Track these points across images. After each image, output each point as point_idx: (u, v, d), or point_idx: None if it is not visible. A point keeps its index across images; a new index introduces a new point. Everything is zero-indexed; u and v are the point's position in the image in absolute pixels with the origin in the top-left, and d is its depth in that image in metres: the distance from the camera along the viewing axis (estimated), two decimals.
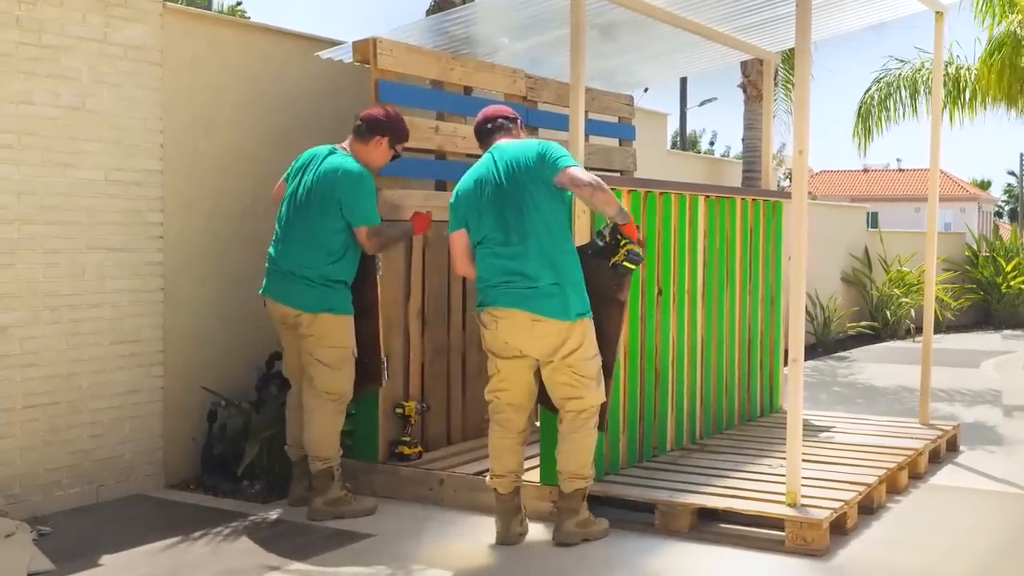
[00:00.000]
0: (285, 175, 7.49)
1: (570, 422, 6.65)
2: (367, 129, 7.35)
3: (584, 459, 6.67)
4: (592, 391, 6.63)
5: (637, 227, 6.82)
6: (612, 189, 7.38)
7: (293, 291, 7.15)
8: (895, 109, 19.83)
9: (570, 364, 6.55)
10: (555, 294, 6.43)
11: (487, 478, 6.83)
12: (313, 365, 7.20)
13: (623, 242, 6.56)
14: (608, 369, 6.82)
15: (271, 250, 7.30)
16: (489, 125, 6.95)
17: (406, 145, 7.82)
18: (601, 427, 6.87)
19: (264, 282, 7.36)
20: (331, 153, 7.31)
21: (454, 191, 6.81)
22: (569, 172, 6.48)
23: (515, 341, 6.55)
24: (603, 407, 6.81)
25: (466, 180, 6.77)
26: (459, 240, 6.76)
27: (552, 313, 6.42)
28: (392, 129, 7.40)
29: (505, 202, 6.53)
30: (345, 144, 7.40)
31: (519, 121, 7.05)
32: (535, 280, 6.42)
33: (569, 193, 6.61)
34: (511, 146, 6.72)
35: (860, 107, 20.19)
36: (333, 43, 8.93)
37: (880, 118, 19.90)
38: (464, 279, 8.39)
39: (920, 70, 19.62)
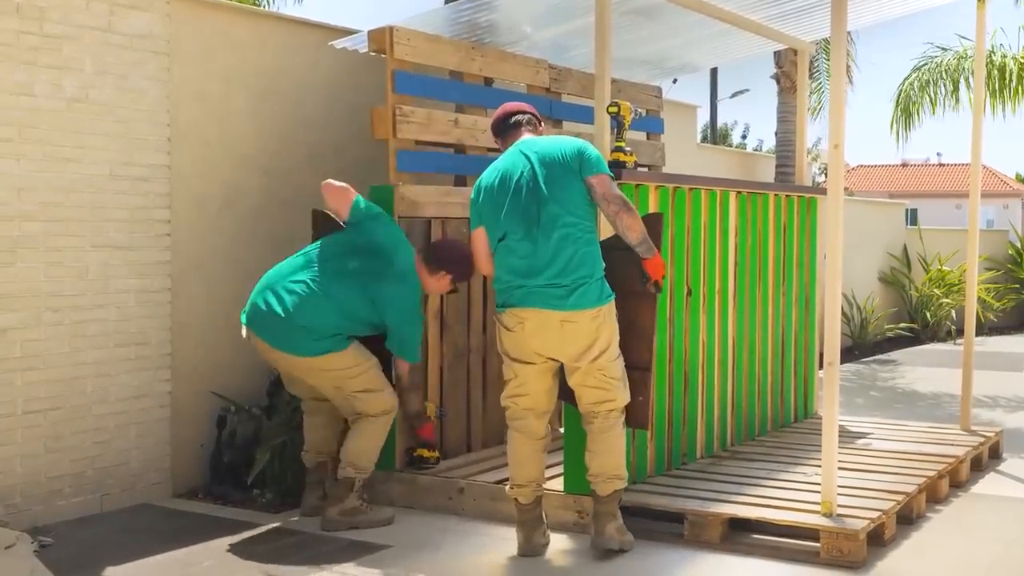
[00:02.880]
0: (361, 204, 7.30)
1: (603, 420, 6.65)
2: (436, 262, 7.35)
3: (620, 458, 6.70)
4: (621, 392, 6.67)
5: (664, 264, 6.82)
6: (639, 185, 7.38)
7: (292, 340, 7.03)
8: (935, 99, 19.74)
9: (600, 367, 6.56)
10: (579, 291, 6.41)
11: (507, 488, 6.81)
12: (355, 398, 7.16)
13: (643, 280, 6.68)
14: (646, 364, 6.83)
15: (279, 286, 7.11)
16: (512, 120, 6.91)
17: (425, 139, 7.81)
18: (645, 426, 6.98)
19: (248, 308, 7.19)
20: (408, 253, 7.27)
21: (475, 186, 6.77)
22: (606, 181, 6.51)
23: (543, 344, 6.52)
24: (646, 405, 6.86)
25: (489, 175, 6.72)
26: (481, 238, 6.74)
27: (579, 305, 6.40)
28: (459, 269, 7.38)
29: (534, 198, 6.47)
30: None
31: (542, 122, 7.04)
32: (562, 279, 6.40)
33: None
34: (545, 142, 6.68)
35: (899, 95, 20.10)
36: (348, 32, 8.90)
37: (920, 108, 19.80)
38: (484, 278, 8.38)
39: (962, 58, 19.51)
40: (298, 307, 7.00)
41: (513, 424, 6.75)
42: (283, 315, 7.00)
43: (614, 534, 6.65)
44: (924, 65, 20.02)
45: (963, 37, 19.83)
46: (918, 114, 19.79)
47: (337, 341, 7.07)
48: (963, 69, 19.37)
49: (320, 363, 7.08)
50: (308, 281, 7.07)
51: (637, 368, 6.82)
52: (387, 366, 7.40)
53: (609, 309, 6.55)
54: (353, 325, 7.12)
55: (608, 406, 6.64)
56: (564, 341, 6.48)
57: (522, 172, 6.55)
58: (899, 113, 20.04)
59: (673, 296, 7.87)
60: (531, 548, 6.64)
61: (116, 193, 7.55)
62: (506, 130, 6.92)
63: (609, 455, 6.66)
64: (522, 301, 6.48)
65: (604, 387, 6.60)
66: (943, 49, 20.14)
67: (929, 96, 19.69)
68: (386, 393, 7.25)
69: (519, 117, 6.90)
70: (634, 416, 6.86)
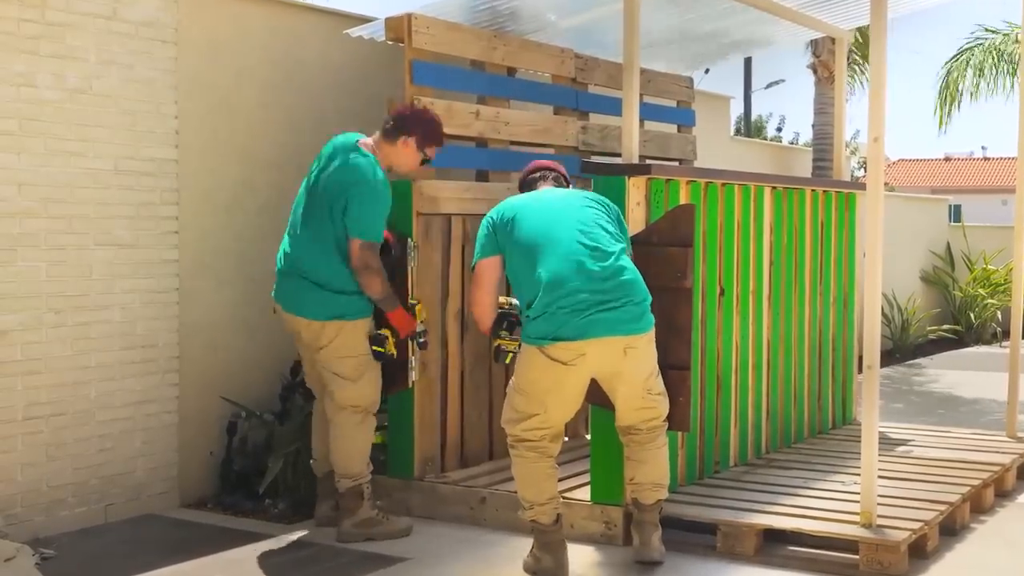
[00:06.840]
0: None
1: (649, 431, 6.68)
2: (393, 127, 7.23)
3: (666, 467, 6.76)
4: (665, 403, 6.73)
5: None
6: (669, 180, 7.37)
7: (301, 298, 7.10)
8: (978, 84, 19.70)
9: (649, 388, 6.59)
10: (645, 313, 6.42)
11: (521, 512, 6.66)
12: (331, 379, 7.16)
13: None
14: (685, 363, 6.86)
15: (283, 246, 7.27)
16: (538, 174, 6.96)
17: (445, 132, 7.80)
18: (687, 427, 7.04)
19: (275, 283, 7.32)
20: (353, 150, 7.19)
21: (496, 214, 6.63)
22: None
23: (598, 371, 6.44)
24: (687, 406, 6.88)
25: (521, 204, 6.62)
26: (493, 266, 6.62)
27: (646, 328, 6.41)
28: (422, 129, 7.25)
29: (603, 233, 6.44)
30: (371, 141, 7.29)
31: (570, 183, 7.05)
32: (634, 297, 6.36)
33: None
34: (576, 194, 6.72)
35: (946, 75, 20.06)
36: (364, 20, 8.89)
37: (958, 89, 19.79)
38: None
39: (1008, 39, 19.41)
40: (294, 253, 7.15)
41: (525, 445, 6.57)
42: (291, 267, 7.16)
43: (659, 545, 6.67)
44: (972, 45, 19.99)
45: (1012, 24, 19.74)
46: (963, 98, 19.78)
47: (344, 303, 7.07)
48: (1010, 53, 19.30)
49: (322, 331, 7.08)
50: (295, 224, 7.19)
51: (676, 367, 6.83)
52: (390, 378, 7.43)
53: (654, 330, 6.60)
54: (346, 255, 7.07)
55: (654, 423, 6.69)
56: (624, 367, 6.42)
57: (578, 208, 6.51)
58: (947, 91, 20.03)
59: (705, 296, 7.85)
60: (563, 572, 6.45)
61: (121, 188, 7.55)
62: (529, 184, 6.96)
63: (655, 464, 6.70)
64: (583, 332, 6.24)
65: (651, 406, 6.64)
66: (991, 31, 20.07)
67: (979, 75, 19.65)
68: (364, 388, 7.18)
69: (544, 172, 6.96)
70: (675, 418, 6.85)
